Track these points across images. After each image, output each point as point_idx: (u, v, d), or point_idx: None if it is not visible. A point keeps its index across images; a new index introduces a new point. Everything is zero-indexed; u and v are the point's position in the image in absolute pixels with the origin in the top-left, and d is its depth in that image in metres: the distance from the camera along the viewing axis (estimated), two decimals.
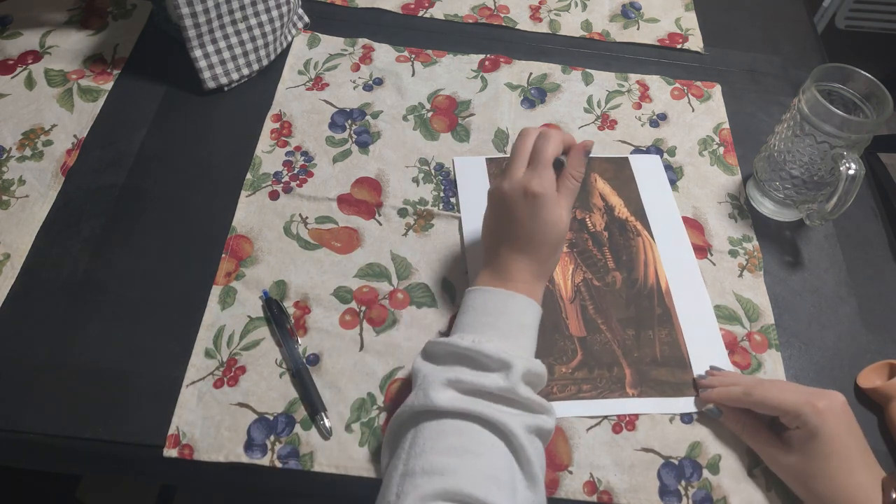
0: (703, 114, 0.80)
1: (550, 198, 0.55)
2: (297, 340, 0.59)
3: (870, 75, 0.63)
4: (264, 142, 0.72)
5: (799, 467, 0.51)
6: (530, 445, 0.46)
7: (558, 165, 0.58)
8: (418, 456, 0.44)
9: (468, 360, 0.49)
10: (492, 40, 0.85)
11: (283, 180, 0.69)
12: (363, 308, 0.62)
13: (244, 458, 0.53)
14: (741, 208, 0.72)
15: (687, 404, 0.58)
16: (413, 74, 0.80)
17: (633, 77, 0.83)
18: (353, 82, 0.78)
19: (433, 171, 0.72)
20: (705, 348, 0.61)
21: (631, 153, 0.75)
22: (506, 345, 0.50)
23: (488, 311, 0.52)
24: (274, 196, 0.68)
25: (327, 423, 0.55)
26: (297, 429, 0.55)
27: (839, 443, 0.50)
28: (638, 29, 0.89)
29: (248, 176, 0.69)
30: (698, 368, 0.60)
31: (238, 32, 0.74)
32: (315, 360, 0.58)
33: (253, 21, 0.74)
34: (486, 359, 0.48)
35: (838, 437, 0.50)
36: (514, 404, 0.48)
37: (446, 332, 0.60)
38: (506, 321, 0.52)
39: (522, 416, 0.47)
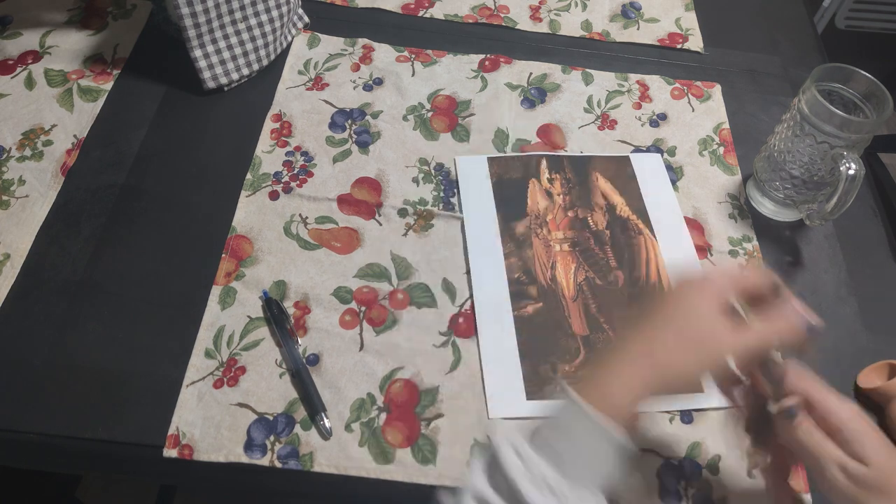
0: (703, 114, 0.80)
1: (707, 294, 0.44)
2: (297, 340, 0.59)
3: (870, 75, 0.63)
4: (264, 142, 0.72)
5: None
6: None
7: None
8: None
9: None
10: (492, 40, 0.85)
11: (283, 180, 0.69)
12: (363, 308, 0.62)
13: (244, 458, 0.53)
14: (741, 208, 0.72)
15: (689, 402, 0.58)
16: (413, 74, 0.80)
17: (633, 77, 0.83)
18: (353, 82, 0.78)
19: (433, 171, 0.71)
20: None
21: (631, 153, 0.75)
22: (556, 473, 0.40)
23: (558, 425, 0.43)
24: (274, 196, 0.68)
25: (327, 423, 0.55)
26: (297, 429, 0.55)
27: None
28: (638, 29, 0.89)
29: (248, 176, 0.69)
30: None
31: (238, 32, 0.74)
32: (315, 360, 0.58)
33: (253, 21, 0.74)
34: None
35: None
36: None
37: (446, 332, 0.60)
38: (568, 446, 0.42)
39: None
